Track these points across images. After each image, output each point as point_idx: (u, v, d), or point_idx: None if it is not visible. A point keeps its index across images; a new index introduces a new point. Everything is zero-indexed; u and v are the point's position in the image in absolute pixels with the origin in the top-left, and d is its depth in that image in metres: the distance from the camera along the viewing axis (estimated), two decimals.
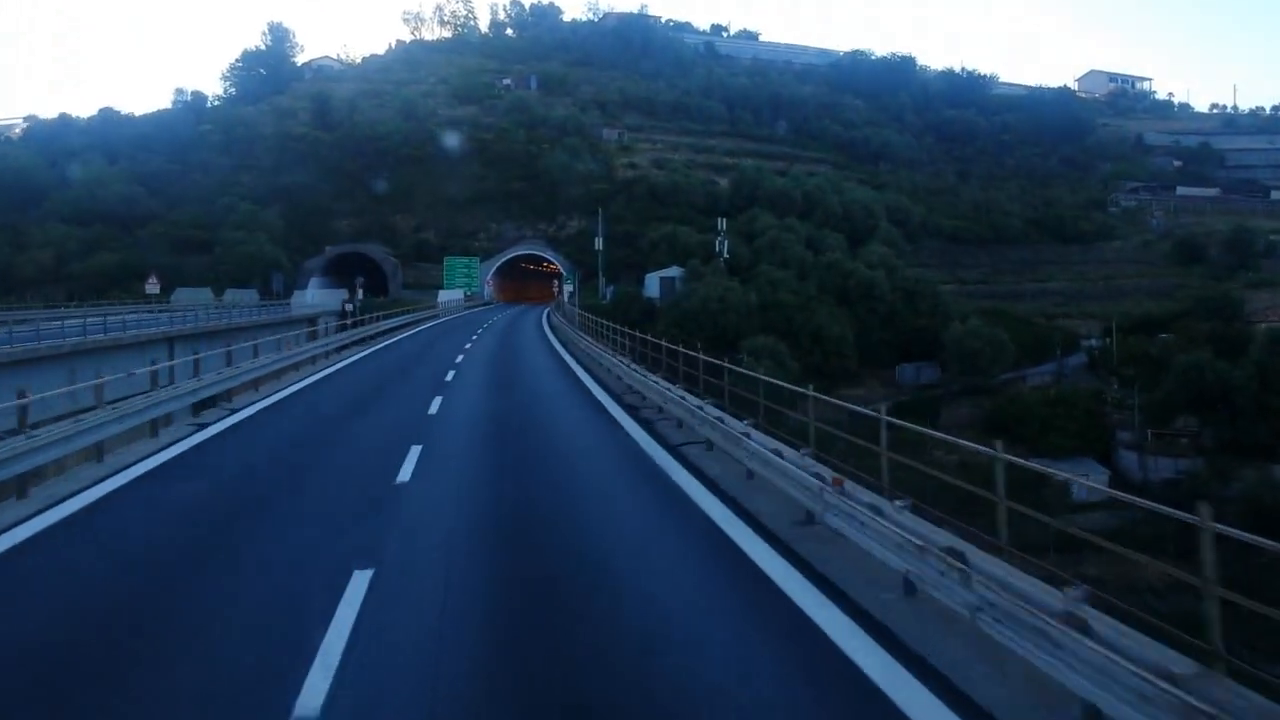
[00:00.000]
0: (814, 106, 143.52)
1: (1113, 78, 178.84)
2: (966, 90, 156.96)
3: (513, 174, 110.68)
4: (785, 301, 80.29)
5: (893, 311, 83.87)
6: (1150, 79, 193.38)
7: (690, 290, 79.24)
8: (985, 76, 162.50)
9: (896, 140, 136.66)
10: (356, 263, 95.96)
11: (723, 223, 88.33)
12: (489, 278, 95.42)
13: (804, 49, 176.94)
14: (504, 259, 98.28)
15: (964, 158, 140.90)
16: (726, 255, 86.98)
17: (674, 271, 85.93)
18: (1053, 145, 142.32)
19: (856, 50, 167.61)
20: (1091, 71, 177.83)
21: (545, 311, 79.23)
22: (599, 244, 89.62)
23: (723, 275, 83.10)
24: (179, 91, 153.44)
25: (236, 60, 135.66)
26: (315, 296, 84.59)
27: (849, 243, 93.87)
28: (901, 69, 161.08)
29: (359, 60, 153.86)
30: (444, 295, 77.58)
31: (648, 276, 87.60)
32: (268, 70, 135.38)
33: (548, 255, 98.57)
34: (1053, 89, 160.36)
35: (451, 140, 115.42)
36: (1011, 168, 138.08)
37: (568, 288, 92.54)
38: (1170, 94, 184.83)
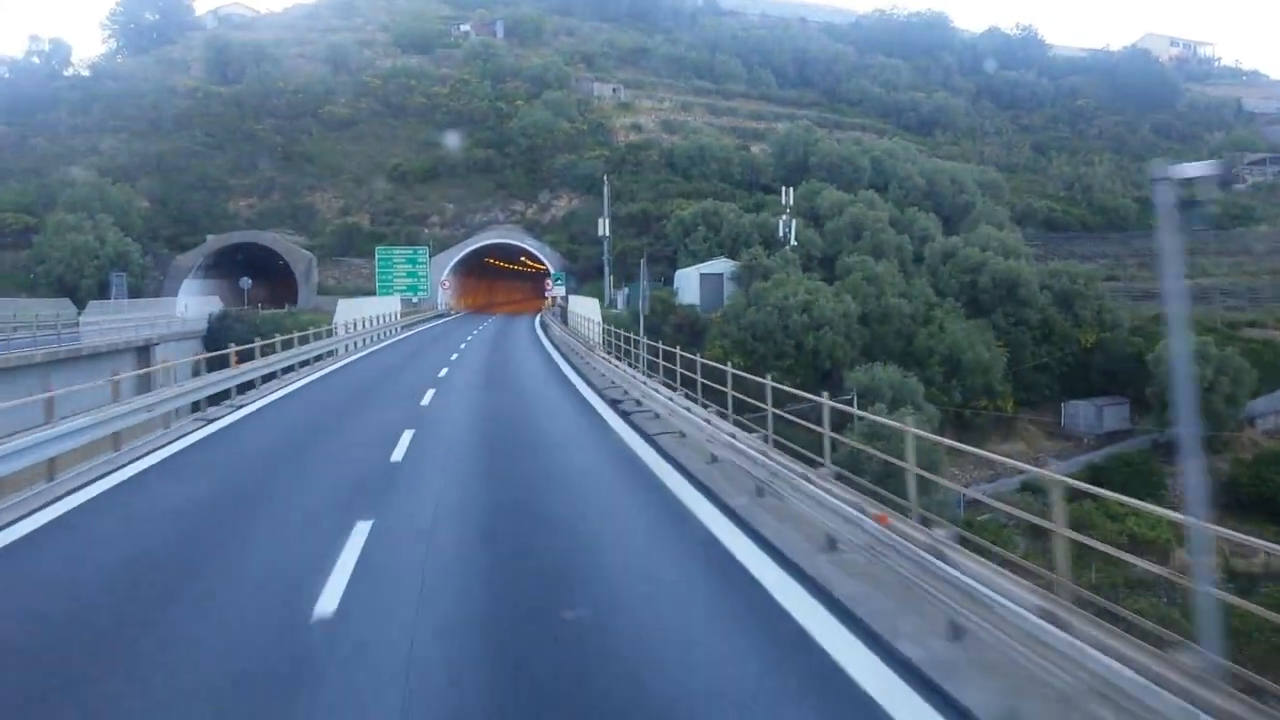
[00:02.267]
0: (846, 67, 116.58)
1: (1173, 41, 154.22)
2: (1019, 51, 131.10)
3: (476, 138, 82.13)
4: (896, 309, 52.50)
5: (1046, 322, 56.51)
6: (1211, 44, 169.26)
7: (755, 294, 51.24)
8: (1039, 35, 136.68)
9: (952, 105, 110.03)
10: (253, 258, 66.63)
11: (789, 195, 60.48)
12: (444, 277, 66.87)
13: (817, 6, 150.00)
14: (466, 250, 69.56)
15: (1031, 126, 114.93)
16: (794, 242, 59.12)
17: (719, 266, 57.93)
18: (1138, 113, 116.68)
19: (878, 10, 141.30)
20: (1149, 35, 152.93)
21: (543, 333, 50.94)
22: (604, 228, 61.40)
23: (796, 270, 55.31)
24: (34, 39, 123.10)
25: (117, 5, 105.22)
26: (191, 306, 55.41)
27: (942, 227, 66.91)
28: (937, 26, 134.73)
29: (280, 10, 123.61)
30: (372, 305, 48.41)
31: (681, 274, 59.55)
32: (158, 17, 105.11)
33: (527, 246, 69.96)
34: (1123, 51, 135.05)
35: (393, 95, 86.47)
36: (1092, 138, 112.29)
37: (558, 289, 64.10)
38: (1237, 60, 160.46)
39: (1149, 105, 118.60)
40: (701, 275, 57.39)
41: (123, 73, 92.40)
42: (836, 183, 71.75)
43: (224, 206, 76.10)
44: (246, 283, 59.05)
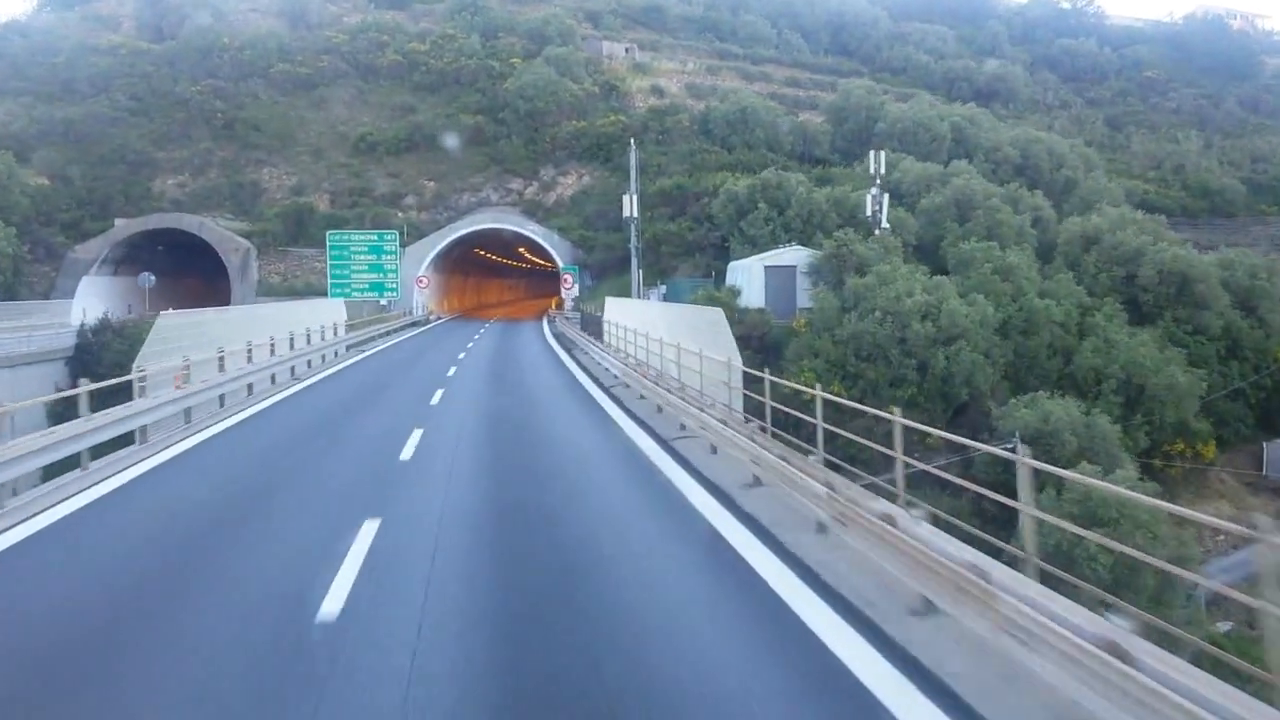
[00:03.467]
0: (883, 34, 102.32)
1: (1230, 13, 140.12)
2: (1071, 19, 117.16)
3: (463, 102, 67.18)
4: (1043, 314, 38.08)
5: (1229, 330, 42.17)
6: (1266, 16, 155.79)
7: (854, 294, 36.55)
8: (1095, 3, 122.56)
9: (1011, 74, 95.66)
10: (177, 248, 51.57)
11: (878, 161, 45.83)
12: (422, 272, 51.81)
13: None
14: (450, 239, 54.43)
15: (1098, 100, 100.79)
16: (886, 224, 44.52)
17: (791, 256, 43.22)
18: (1218, 85, 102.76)
19: None
20: (1203, 7, 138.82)
21: (569, 357, 35.81)
22: (630, 207, 46.75)
23: (898, 260, 40.87)
24: None
25: None
26: (92, 310, 40.45)
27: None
28: None
29: None
30: (298, 313, 31.29)
31: (738, 267, 44.86)
32: None
33: (528, 232, 54.92)
34: (1188, 21, 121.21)
35: (362, 53, 71.36)
36: (1168, 112, 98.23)
37: (567, 293, 49.52)
38: None
39: (1227, 77, 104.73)
40: (767, 269, 42.64)
41: (35, 28, 76.84)
42: (911, 154, 57.17)
43: (146, 185, 60.93)
44: (147, 280, 44.03)
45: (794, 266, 42.81)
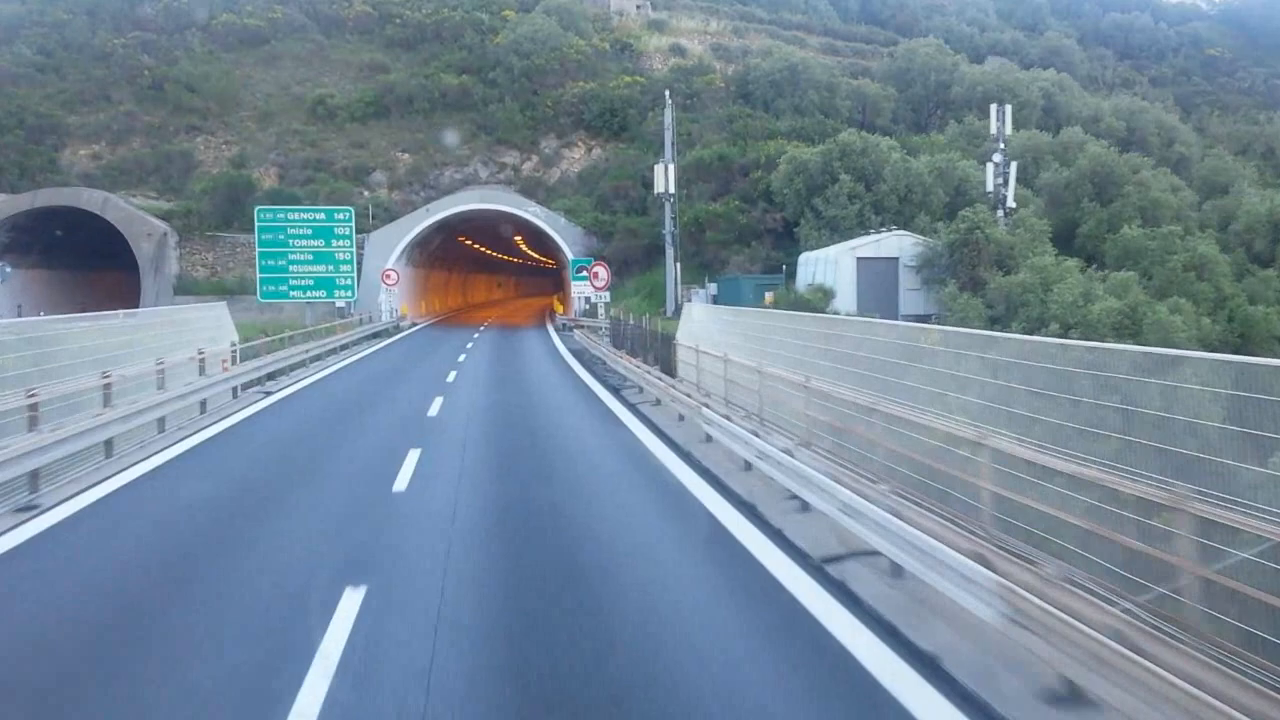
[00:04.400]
0: (920, 4, 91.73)
1: None
2: None
3: (445, 60, 55.45)
4: (1262, 325, 26.51)
5: None
6: None
7: (1008, 301, 24.91)
8: None
9: (1066, 48, 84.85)
10: (78, 231, 39.72)
11: (1002, 116, 34.55)
12: (391, 265, 39.90)
13: None
14: (428, 224, 42.47)
15: (1160, 79, 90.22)
16: (1012, 202, 33.10)
17: (894, 244, 31.77)
18: None
19: None
20: None
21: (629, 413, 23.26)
22: (665, 180, 35.41)
23: (1048, 248, 29.40)
24: None
25: None
26: None
27: None
28: None
29: None
30: (172, 330, 18.49)
31: (813, 259, 33.46)
32: None
33: (528, 215, 42.95)
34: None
35: (323, 3, 59.63)
36: (1238, 93, 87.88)
37: (597, 294, 37.86)
38: None
39: None
40: (860, 262, 31.19)
41: None
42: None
43: (51, 156, 48.95)
44: (5, 269, 32.05)
45: (895, 258, 31.47)
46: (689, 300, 35.90)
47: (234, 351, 18.55)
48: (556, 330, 38.14)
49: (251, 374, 18.24)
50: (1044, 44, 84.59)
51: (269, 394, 17.91)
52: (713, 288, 34.28)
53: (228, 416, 15.18)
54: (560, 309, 56.84)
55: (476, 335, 35.07)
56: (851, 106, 50.10)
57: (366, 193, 47.97)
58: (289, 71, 56.24)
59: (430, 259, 50.50)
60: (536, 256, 79.34)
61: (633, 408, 16.40)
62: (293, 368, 21.42)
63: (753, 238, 36.95)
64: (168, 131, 51.32)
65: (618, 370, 21.19)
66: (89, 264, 45.71)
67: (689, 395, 14.38)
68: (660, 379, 16.88)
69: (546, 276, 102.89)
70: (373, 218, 43.49)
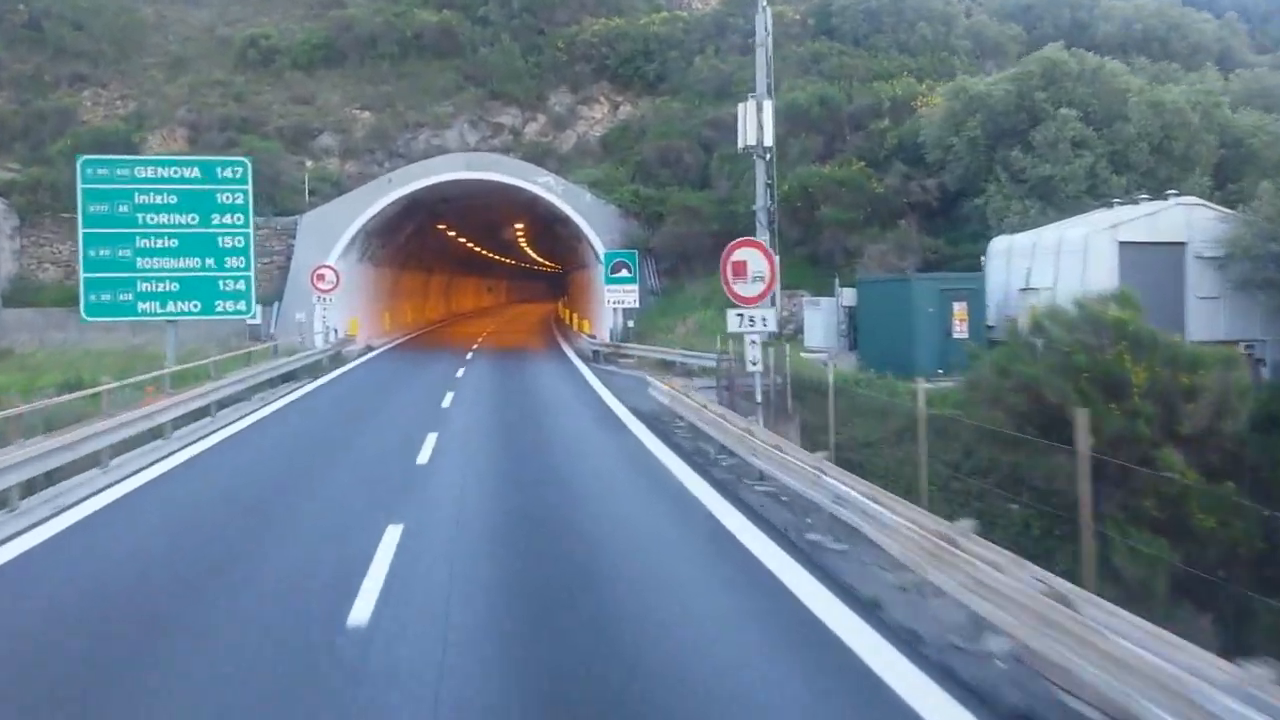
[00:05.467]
0: None
1: None
2: None
3: None
4: None
5: None
6: None
7: None
8: None
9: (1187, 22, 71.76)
10: None
11: None
12: (333, 260, 26.63)
13: None
14: (390, 201, 28.94)
15: None
16: None
17: (1177, 218, 17.98)
18: None
19: None
20: None
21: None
22: (754, 125, 21.75)
23: None
24: None
25: None
26: None
27: None
28: None
29: None
30: None
31: (1018, 246, 19.66)
32: None
33: (535, 187, 29.26)
34: None
35: None
36: None
37: (619, 299, 23.96)
38: None
39: None
40: (1124, 248, 17.96)
41: None
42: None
43: None
44: None
45: (1181, 244, 18.24)
46: (803, 314, 22.68)
47: None
48: (585, 360, 24.75)
49: None
50: (1167, 19, 71.76)
51: None
52: (846, 294, 21.02)
53: None
54: (571, 319, 43.81)
55: (460, 374, 21.51)
56: (969, 48, 36.97)
57: (309, 162, 34.61)
58: (215, 9, 42.78)
59: (400, 256, 36.99)
60: (537, 258, 66.03)
61: None
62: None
63: (892, 216, 23.73)
64: (44, 83, 37.85)
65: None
66: None
67: None
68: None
69: (542, 280, 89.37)
70: (310, 194, 30.14)
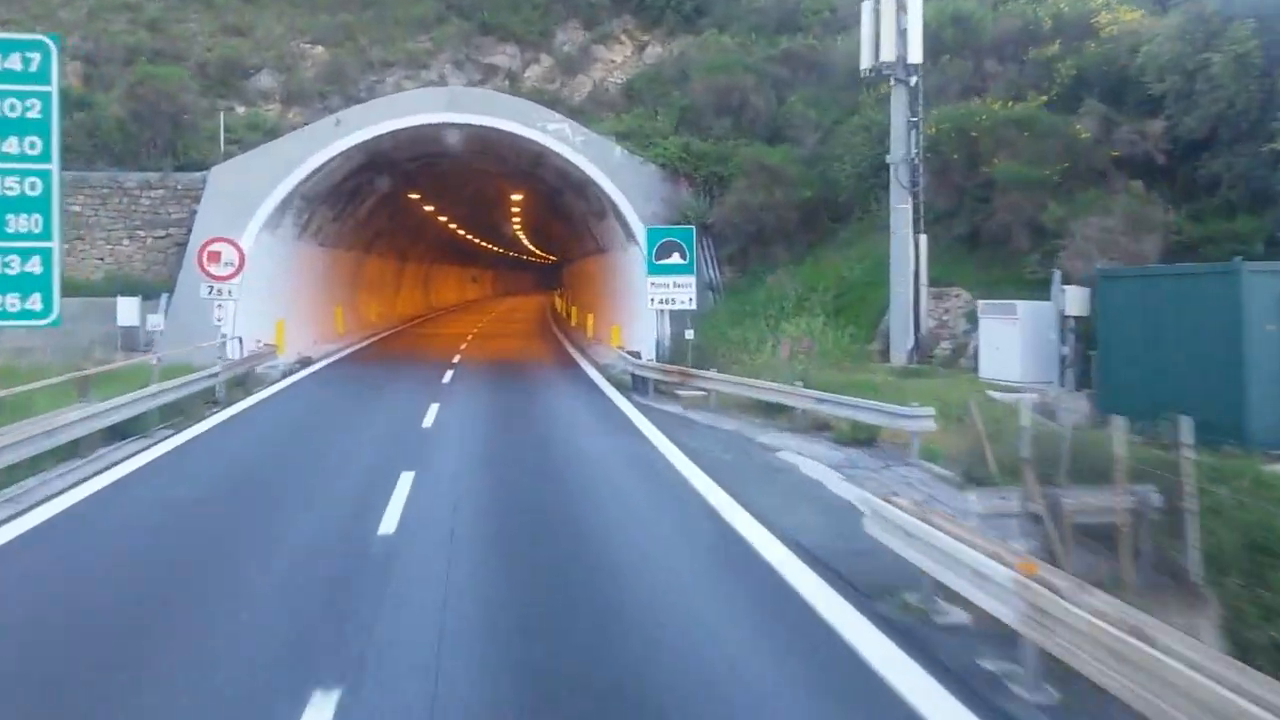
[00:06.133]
0: None
1: None
2: None
3: None
4: None
5: None
6: None
7: None
8: None
9: None
10: None
11: None
12: (257, 231, 18.34)
13: None
14: (340, 152, 20.63)
15: None
16: None
17: None
18: None
19: None
20: None
21: None
22: (891, 31, 13.17)
23: None
24: None
25: None
26: None
27: None
28: None
29: None
30: None
31: None
32: None
33: (544, 137, 20.90)
34: None
35: None
36: None
37: (669, 296, 14.84)
38: None
39: None
40: None
41: None
42: None
43: None
44: None
45: None
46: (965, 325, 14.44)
47: None
48: (621, 388, 16.37)
49: None
50: None
51: None
52: (1072, 296, 12.72)
53: None
54: (571, 314, 36.03)
55: (429, 421, 12.62)
56: None
57: (241, 108, 26.16)
58: None
59: (363, 235, 28.49)
60: (532, 246, 57.48)
61: None
62: None
63: (1097, 177, 15.50)
64: None
65: None
66: None
67: None
68: None
69: (531, 271, 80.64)
70: (225, 145, 21.66)
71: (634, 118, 23.21)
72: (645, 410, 14.10)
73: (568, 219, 29.14)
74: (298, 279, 22.27)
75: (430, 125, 21.02)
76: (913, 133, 15.40)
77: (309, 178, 20.31)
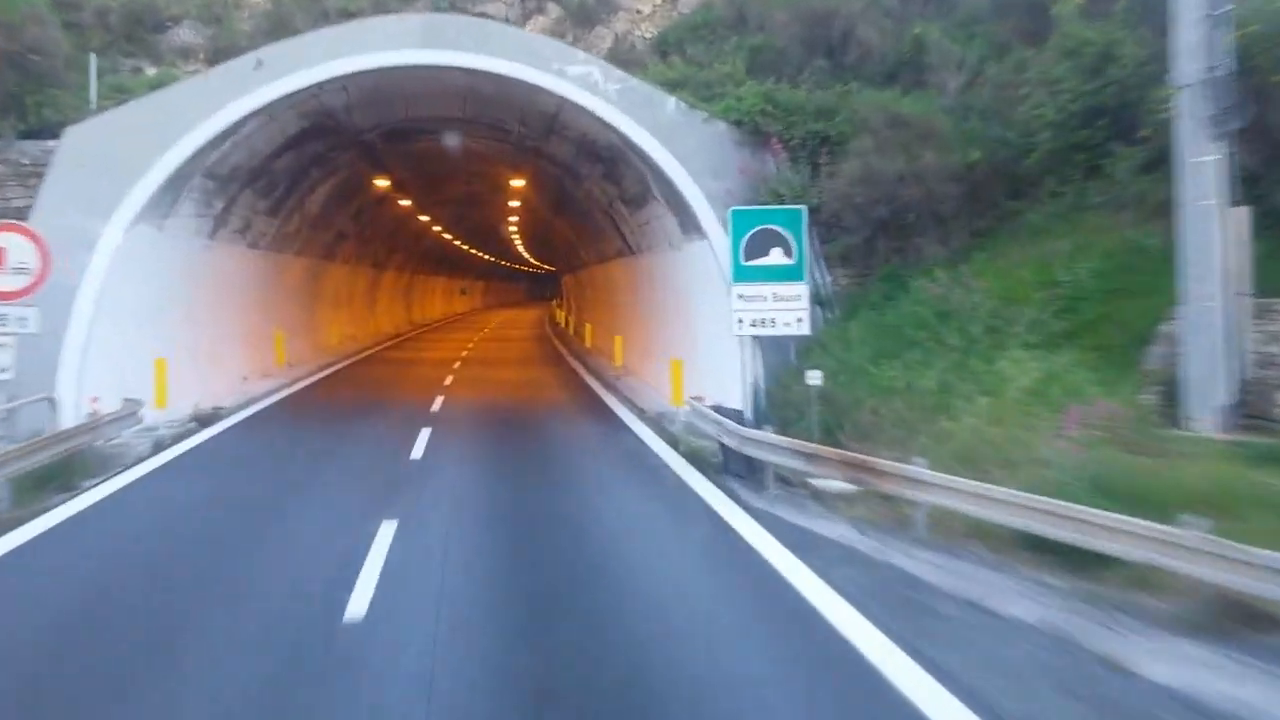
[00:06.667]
0: None
1: None
2: None
3: None
4: None
5: None
6: None
7: None
8: None
9: None
10: None
11: None
12: (130, 220, 11.88)
13: None
14: (263, 104, 14.12)
15: None
16: None
17: None
18: None
19: None
20: None
21: None
22: None
23: None
24: None
25: None
26: None
27: None
28: None
29: None
30: None
31: None
32: None
33: (564, 87, 14.42)
34: None
35: None
36: None
37: (763, 317, 7.50)
38: None
39: None
40: None
41: None
42: None
43: None
44: None
45: None
46: None
47: None
48: (701, 469, 9.84)
49: None
50: None
51: None
52: None
53: None
54: (569, 324, 30.15)
55: (351, 616, 5.75)
56: None
57: (152, 69, 19.56)
58: None
59: (317, 236, 21.83)
60: (525, 254, 50.78)
61: None
62: None
63: None
64: None
65: None
66: None
67: None
68: None
69: (522, 281, 73.79)
70: (97, 98, 14.97)
71: (686, 64, 16.57)
72: (783, 533, 7.46)
73: (582, 212, 22.48)
74: (210, 294, 15.58)
75: (398, 69, 14.35)
76: (1218, 31, 8.91)
77: (214, 144, 13.61)
